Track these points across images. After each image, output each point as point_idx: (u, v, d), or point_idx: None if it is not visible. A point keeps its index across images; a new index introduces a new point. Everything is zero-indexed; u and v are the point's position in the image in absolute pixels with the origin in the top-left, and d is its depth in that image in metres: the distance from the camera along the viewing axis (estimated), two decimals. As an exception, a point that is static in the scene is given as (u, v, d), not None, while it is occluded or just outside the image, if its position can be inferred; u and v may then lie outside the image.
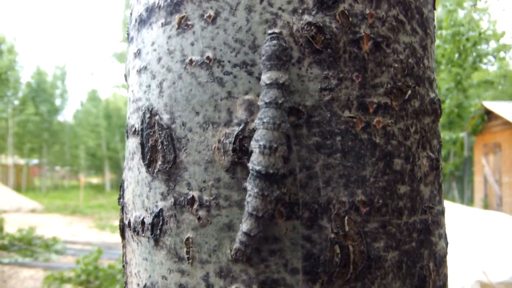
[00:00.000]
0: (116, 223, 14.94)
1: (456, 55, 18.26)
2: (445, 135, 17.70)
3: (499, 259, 5.34)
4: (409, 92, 0.79)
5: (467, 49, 18.59)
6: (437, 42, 18.86)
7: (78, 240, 11.86)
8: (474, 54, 19.41)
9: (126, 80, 1.00)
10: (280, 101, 0.68)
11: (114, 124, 39.28)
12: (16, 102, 35.18)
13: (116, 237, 12.30)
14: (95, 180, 47.70)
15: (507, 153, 15.20)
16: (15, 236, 10.39)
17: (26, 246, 10.03)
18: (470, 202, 17.84)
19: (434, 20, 0.94)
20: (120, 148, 38.31)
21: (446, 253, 0.88)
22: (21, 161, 37.31)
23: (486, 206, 15.82)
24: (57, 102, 39.61)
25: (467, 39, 18.47)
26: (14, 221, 14.93)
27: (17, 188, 32.46)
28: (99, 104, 42.91)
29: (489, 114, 16.16)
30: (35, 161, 40.85)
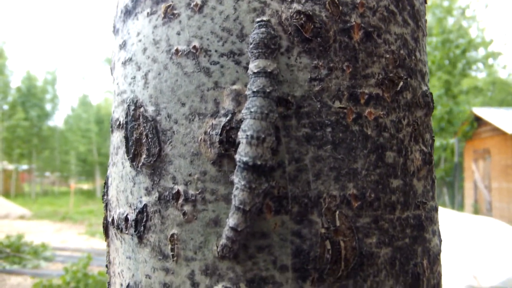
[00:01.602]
0: (106, 229, 14.77)
1: (446, 62, 18.46)
2: (435, 141, 17.81)
3: (490, 264, 5.35)
4: (401, 83, 0.77)
5: (456, 56, 18.80)
6: (427, 48, 19.02)
7: (67, 247, 11.71)
8: (464, 61, 19.64)
9: (111, 73, 0.98)
10: (268, 90, 0.65)
11: (105, 129, 39.03)
12: (6, 107, 34.87)
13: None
14: (85, 186, 47.23)
15: (496, 159, 15.31)
16: (3, 243, 10.22)
17: (14, 253, 9.87)
18: (461, 207, 17.95)
19: (425, 13, 0.92)
20: (111, 154, 37.98)
21: (440, 250, 0.86)
22: (10, 167, 36.87)
23: (476, 211, 15.92)
24: (48, 107, 39.27)
25: (457, 46, 18.68)
26: (2, 227, 14.73)
27: (6, 194, 32.08)
28: (90, 109, 42.66)
29: (478, 120, 16.29)
30: (24, 166, 40.37)
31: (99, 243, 12.46)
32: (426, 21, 0.93)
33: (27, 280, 8.05)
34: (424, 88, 0.84)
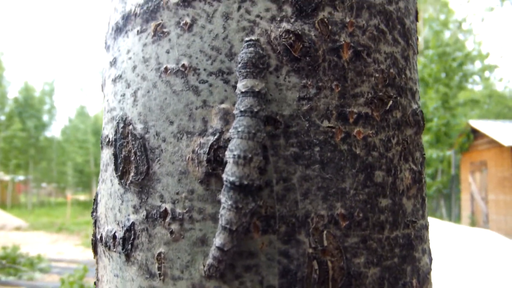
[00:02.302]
0: (102, 240, 14.70)
1: (443, 75, 18.55)
2: (432, 153, 17.87)
3: (486, 276, 5.34)
4: (391, 102, 0.77)
5: (453, 69, 18.90)
6: (424, 61, 19.14)
7: (63, 258, 11.63)
8: (461, 74, 19.74)
9: (102, 90, 0.98)
10: (255, 110, 0.65)
11: (102, 140, 38.90)
12: (3, 118, 34.84)
13: (102, 255, 12.07)
14: (82, 197, 47.02)
15: (493, 171, 15.33)
16: (-1, 254, 10.16)
17: (10, 265, 9.80)
18: (458, 219, 17.92)
19: (416, 32, 0.92)
20: (108, 165, 37.87)
21: (430, 269, 0.85)
22: (6, 178, 36.70)
23: (473, 223, 15.90)
24: (45, 117, 39.25)
25: (453, 59, 18.79)
26: (-3, 238, 14.64)
27: (2, 205, 31.90)
28: (88, 120, 42.66)
29: (475, 133, 16.33)
30: (21, 177, 40.19)
31: (95, 255, 12.36)
32: (417, 39, 0.93)
33: (22, 292, 7.97)
34: (414, 106, 0.84)
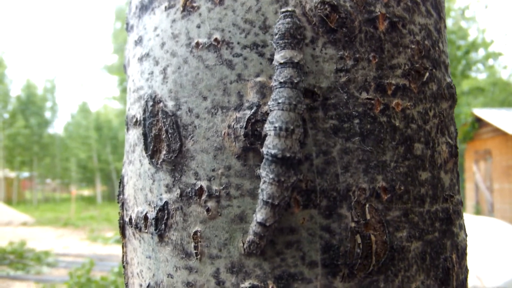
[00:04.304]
0: (108, 234, 14.78)
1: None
2: (436, 142, 17.76)
3: (493, 264, 5.33)
4: (427, 74, 0.76)
5: (458, 58, 18.75)
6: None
7: (69, 253, 11.66)
8: (464, 62, 19.59)
9: (125, 71, 0.96)
10: (295, 81, 0.63)
11: (105, 136, 39.00)
12: (6, 116, 34.87)
13: (108, 249, 12.13)
14: (86, 192, 47.23)
15: (497, 160, 15.26)
16: (6, 250, 10.20)
17: (18, 259, 9.85)
18: (462, 209, 17.86)
19: (445, 6, 0.90)
20: (111, 160, 38.01)
21: (467, 245, 0.84)
22: (12, 174, 36.84)
23: (477, 212, 15.86)
24: (47, 114, 39.29)
25: (458, 47, 18.65)
26: (5, 234, 14.70)
27: (8, 201, 32.03)
28: (90, 116, 42.63)
29: (479, 121, 16.24)
30: (25, 174, 40.34)
31: (101, 249, 12.42)
32: (445, 13, 0.92)
33: (31, 285, 8.01)
34: (448, 79, 0.82)
